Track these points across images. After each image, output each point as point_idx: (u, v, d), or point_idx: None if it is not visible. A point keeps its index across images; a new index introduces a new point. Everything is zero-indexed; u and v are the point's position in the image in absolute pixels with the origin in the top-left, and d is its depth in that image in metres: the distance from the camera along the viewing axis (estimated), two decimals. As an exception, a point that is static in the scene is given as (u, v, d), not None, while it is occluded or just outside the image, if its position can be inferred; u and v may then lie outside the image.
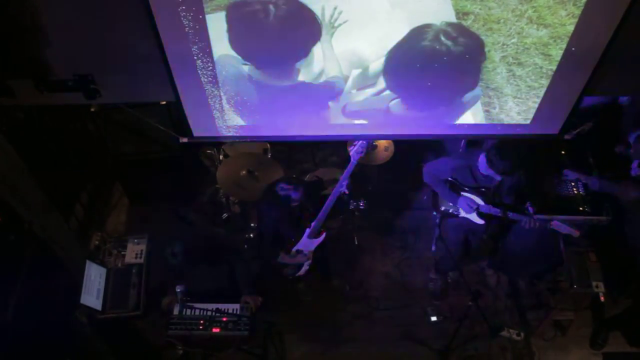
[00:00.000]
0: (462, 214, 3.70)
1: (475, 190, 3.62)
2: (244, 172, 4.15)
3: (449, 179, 3.68)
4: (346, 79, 2.79)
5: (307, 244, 3.77)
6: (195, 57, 2.63)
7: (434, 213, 3.89)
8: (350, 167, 3.40)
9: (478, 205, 3.61)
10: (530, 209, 3.46)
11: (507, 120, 3.06)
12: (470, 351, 4.05)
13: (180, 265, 3.09)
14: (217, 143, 4.58)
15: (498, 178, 3.49)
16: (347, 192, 3.60)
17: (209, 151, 4.95)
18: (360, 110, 3.00)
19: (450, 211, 3.78)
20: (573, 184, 3.87)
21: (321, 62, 2.69)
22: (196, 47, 2.57)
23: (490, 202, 3.61)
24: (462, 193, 3.64)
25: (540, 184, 3.91)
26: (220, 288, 3.47)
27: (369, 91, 2.87)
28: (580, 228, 3.45)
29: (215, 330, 3.21)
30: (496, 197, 3.62)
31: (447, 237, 3.94)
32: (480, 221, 3.71)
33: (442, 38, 2.54)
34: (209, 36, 2.52)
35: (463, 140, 4.37)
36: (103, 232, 4.12)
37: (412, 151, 5.12)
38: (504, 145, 3.30)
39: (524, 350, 4.06)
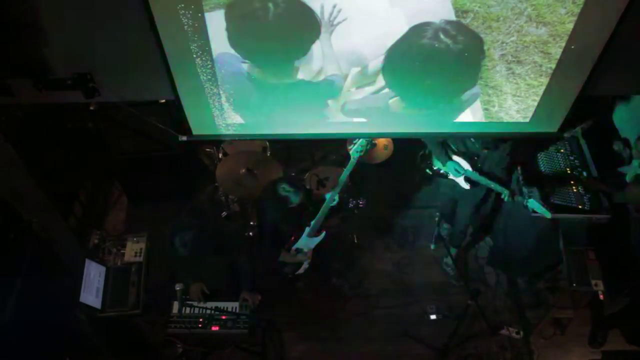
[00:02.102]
0: (451, 176, 3.85)
1: (464, 156, 3.78)
2: (243, 170, 4.15)
3: (443, 141, 3.83)
4: (345, 77, 2.79)
5: (307, 242, 3.78)
6: (195, 56, 2.63)
7: (427, 171, 4.04)
8: (350, 166, 3.40)
9: (465, 170, 3.76)
10: (523, 185, 3.68)
11: (506, 118, 3.06)
12: (469, 350, 4.05)
13: (188, 255, 3.10)
14: (217, 141, 4.59)
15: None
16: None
17: (208, 149, 4.95)
18: (359, 109, 3.00)
19: (442, 172, 3.92)
20: (572, 182, 3.86)
21: (320, 60, 2.69)
22: (195, 45, 2.57)
23: (477, 169, 3.76)
24: (453, 156, 3.80)
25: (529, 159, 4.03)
26: (222, 281, 3.49)
27: (368, 89, 2.87)
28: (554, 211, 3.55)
29: (215, 328, 3.22)
30: (484, 166, 3.77)
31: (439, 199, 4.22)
32: (466, 186, 3.86)
33: (442, 36, 2.54)
34: (208, 34, 2.52)
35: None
36: (102, 230, 4.12)
37: (411, 149, 5.13)
38: None
39: (524, 349, 4.07)
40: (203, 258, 3.38)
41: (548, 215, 3.47)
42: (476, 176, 3.74)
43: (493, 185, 3.68)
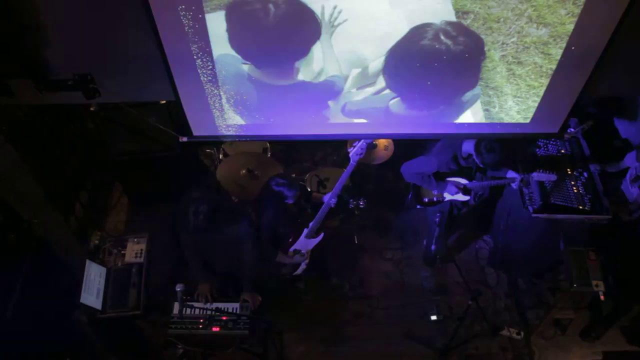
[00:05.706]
0: (448, 197, 3.85)
1: (459, 173, 3.79)
2: (243, 171, 4.15)
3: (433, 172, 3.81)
4: (346, 78, 2.79)
5: (305, 243, 3.77)
6: (195, 57, 2.63)
7: (418, 207, 4.05)
8: (349, 168, 3.41)
9: (464, 184, 3.77)
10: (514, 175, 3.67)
11: (507, 119, 3.07)
12: (470, 350, 4.05)
13: (201, 226, 2.99)
14: (217, 142, 4.59)
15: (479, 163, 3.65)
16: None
17: (208, 150, 4.96)
18: (360, 110, 3.00)
19: (435, 199, 3.91)
20: (573, 182, 3.86)
21: (321, 61, 2.69)
22: (196, 46, 2.57)
23: (475, 177, 3.79)
24: (447, 179, 3.81)
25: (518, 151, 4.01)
26: (225, 272, 3.52)
27: (369, 90, 2.87)
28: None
29: (215, 329, 3.23)
30: (479, 171, 3.79)
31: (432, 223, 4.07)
32: (466, 197, 3.87)
33: (442, 37, 2.54)
34: (209, 35, 2.52)
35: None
36: (103, 231, 4.12)
37: (412, 150, 5.12)
38: (496, 143, 3.44)
39: (524, 349, 4.06)
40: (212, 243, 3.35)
41: (553, 177, 3.55)
42: (477, 184, 3.76)
43: (495, 182, 3.70)
